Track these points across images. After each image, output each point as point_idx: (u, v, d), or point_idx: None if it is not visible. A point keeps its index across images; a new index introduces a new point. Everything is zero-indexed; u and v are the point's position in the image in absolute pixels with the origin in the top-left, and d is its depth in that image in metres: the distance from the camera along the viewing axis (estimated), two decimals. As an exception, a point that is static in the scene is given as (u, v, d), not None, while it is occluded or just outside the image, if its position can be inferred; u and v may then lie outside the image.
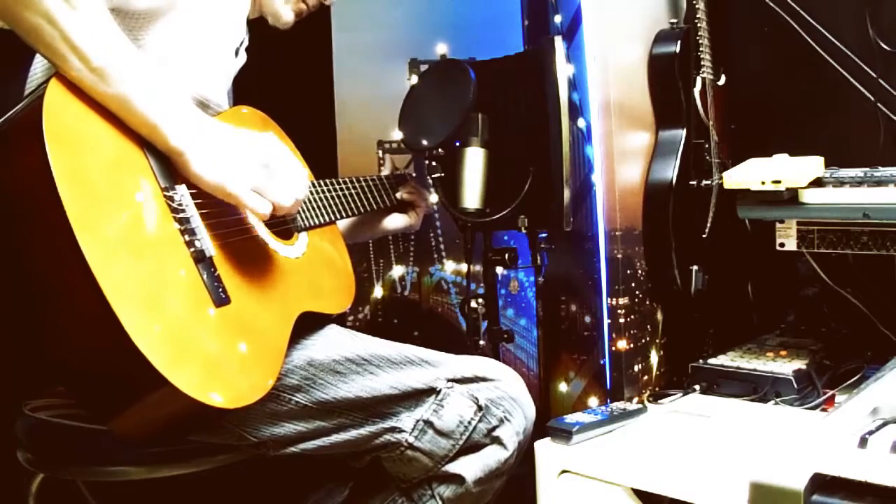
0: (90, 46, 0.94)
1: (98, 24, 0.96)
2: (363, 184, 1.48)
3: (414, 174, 1.76)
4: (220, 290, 1.04)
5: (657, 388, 1.69)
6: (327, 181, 1.39)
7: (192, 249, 1.02)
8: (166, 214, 1.01)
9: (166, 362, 0.91)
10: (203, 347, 0.99)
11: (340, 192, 1.41)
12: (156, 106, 1.00)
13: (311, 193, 1.33)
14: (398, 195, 1.57)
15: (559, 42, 1.40)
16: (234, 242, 1.10)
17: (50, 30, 0.93)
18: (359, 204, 1.46)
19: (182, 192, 1.04)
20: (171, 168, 1.04)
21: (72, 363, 0.96)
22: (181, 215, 1.02)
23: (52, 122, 0.91)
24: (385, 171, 1.63)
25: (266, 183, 1.08)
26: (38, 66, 1.12)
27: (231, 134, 1.08)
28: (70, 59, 0.94)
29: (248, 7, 1.27)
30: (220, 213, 1.08)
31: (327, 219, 1.35)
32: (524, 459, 1.26)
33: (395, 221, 1.59)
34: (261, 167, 1.08)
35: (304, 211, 1.29)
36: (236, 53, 1.26)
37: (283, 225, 1.23)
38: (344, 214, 1.41)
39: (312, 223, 1.31)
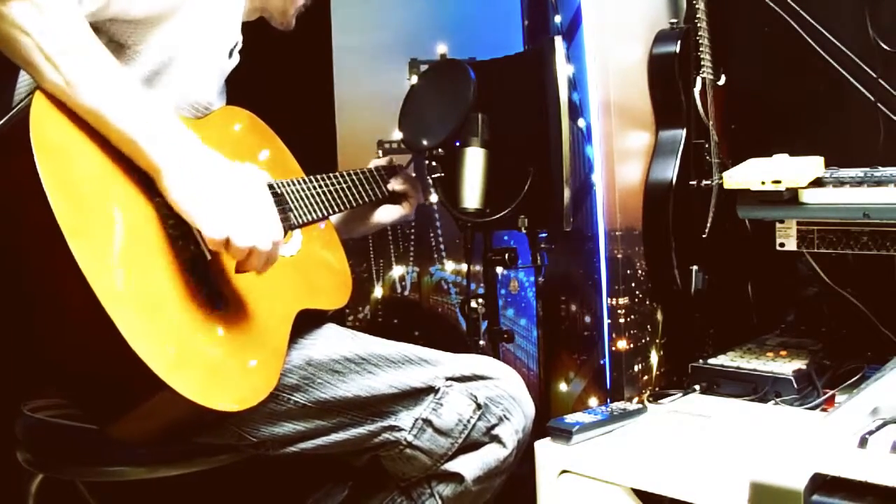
0: (64, 58, 0.93)
1: (73, 35, 0.95)
2: (354, 177, 1.46)
3: (414, 174, 1.76)
4: (217, 292, 1.04)
5: (657, 388, 1.68)
6: (317, 176, 1.36)
7: (186, 254, 1.02)
8: (158, 220, 1.01)
9: (165, 366, 0.91)
10: (202, 351, 0.98)
11: (331, 187, 1.39)
12: (134, 122, 0.98)
13: (302, 190, 1.31)
14: (389, 186, 1.54)
15: (559, 42, 1.40)
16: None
17: (25, 40, 0.92)
18: (350, 198, 1.43)
19: None
20: None
21: (72, 369, 0.96)
22: (173, 221, 1.02)
23: (40, 133, 0.91)
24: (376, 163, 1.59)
25: (233, 221, 1.01)
26: (24, 77, 1.11)
27: (211, 162, 1.03)
28: (45, 69, 0.94)
29: (242, 8, 1.26)
30: None
31: (320, 215, 1.33)
32: (524, 459, 1.26)
33: (388, 213, 1.56)
34: (234, 204, 1.02)
35: (296, 208, 1.27)
36: (230, 55, 1.25)
37: None
38: (336, 209, 1.38)
39: (305, 220, 1.29)
